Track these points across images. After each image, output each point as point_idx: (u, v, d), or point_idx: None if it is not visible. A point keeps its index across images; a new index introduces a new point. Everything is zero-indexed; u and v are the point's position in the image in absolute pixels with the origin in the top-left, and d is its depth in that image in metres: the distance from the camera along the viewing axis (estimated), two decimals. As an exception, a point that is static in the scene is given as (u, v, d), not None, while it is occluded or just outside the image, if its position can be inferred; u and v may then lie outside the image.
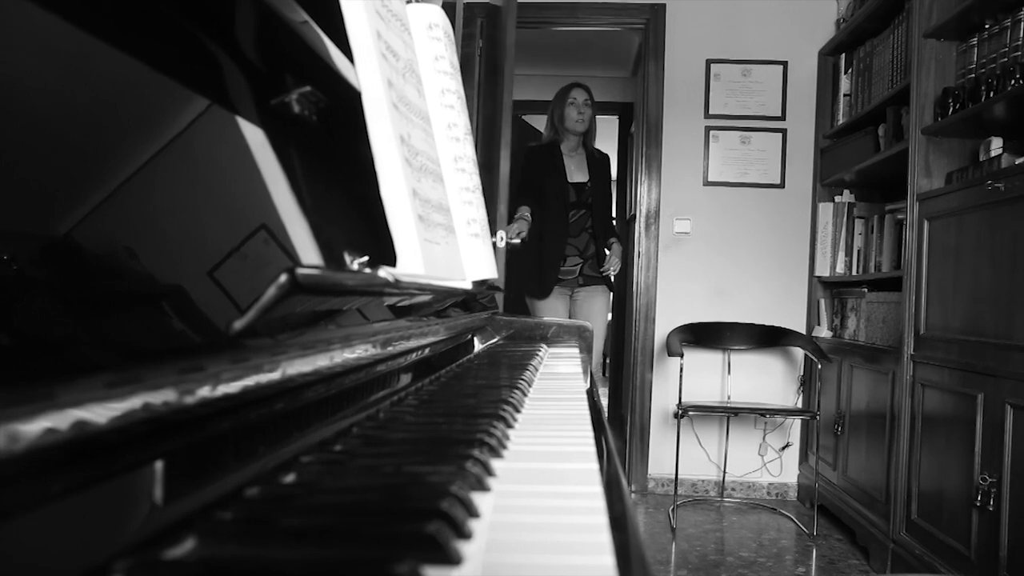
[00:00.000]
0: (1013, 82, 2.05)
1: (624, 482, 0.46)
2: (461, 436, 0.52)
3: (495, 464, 0.47)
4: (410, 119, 0.75)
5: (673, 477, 3.28)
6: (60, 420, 0.24)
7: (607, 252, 3.25)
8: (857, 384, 2.90)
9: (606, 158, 3.42)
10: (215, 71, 0.44)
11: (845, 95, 3.26)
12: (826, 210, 3.34)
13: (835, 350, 3.11)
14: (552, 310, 3.29)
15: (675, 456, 3.24)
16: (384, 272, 0.55)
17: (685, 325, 3.39)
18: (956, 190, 2.23)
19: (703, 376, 3.48)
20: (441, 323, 0.86)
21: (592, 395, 0.88)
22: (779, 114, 3.48)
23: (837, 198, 3.31)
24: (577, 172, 3.33)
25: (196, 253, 0.37)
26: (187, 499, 0.31)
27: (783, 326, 3.38)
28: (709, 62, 3.50)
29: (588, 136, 3.34)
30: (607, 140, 6.73)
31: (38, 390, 0.23)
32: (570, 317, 3.28)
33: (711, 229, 3.51)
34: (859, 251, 3.16)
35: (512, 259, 3.53)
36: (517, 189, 3.33)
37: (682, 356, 3.20)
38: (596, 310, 3.32)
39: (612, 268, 3.24)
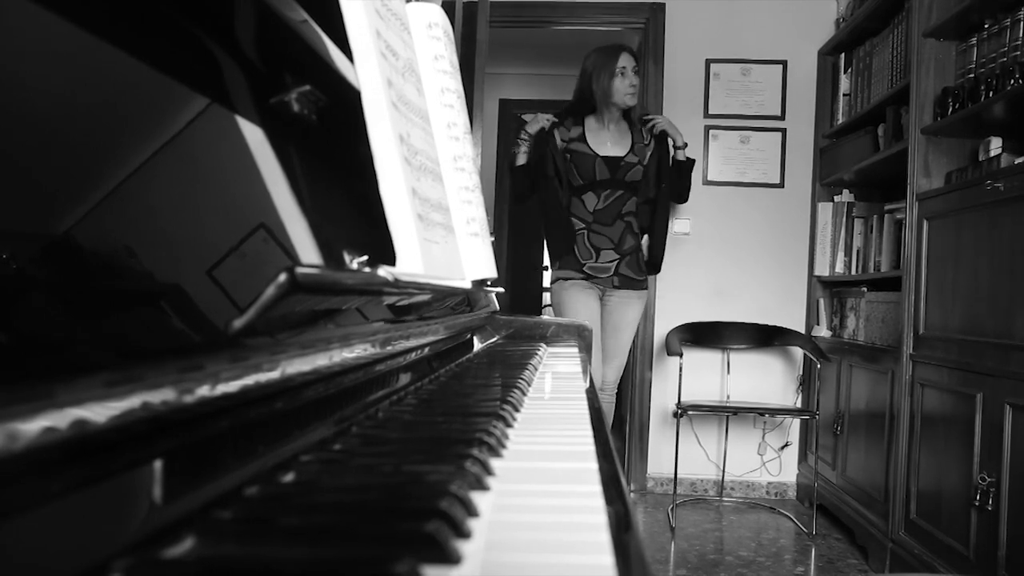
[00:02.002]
0: (1013, 82, 2.05)
1: (623, 481, 0.46)
2: (460, 435, 0.52)
3: (494, 463, 0.47)
4: (409, 118, 0.75)
5: (672, 476, 3.28)
6: (59, 419, 0.24)
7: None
8: (856, 384, 2.90)
9: (651, 133, 2.90)
10: (214, 70, 0.44)
11: (844, 95, 3.26)
12: (825, 210, 3.34)
13: (834, 350, 3.11)
14: (581, 306, 2.77)
15: (674, 455, 3.24)
16: (383, 271, 0.55)
17: (684, 325, 3.39)
18: (955, 190, 2.23)
19: (702, 376, 3.48)
20: (440, 322, 0.86)
21: (591, 394, 0.88)
22: (778, 114, 3.48)
23: (836, 198, 3.32)
24: (613, 143, 2.78)
25: (195, 252, 0.37)
26: (186, 498, 0.31)
27: (782, 325, 3.38)
28: (709, 61, 3.50)
29: (631, 110, 2.84)
30: (606, 139, 6.75)
31: (37, 389, 0.23)
32: (602, 320, 2.86)
33: (710, 229, 3.51)
34: (858, 251, 3.16)
35: (517, 258, 3.44)
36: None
37: (681, 355, 3.20)
38: (628, 321, 2.87)
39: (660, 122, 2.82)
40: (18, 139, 0.27)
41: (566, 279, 2.82)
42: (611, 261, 2.80)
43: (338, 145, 0.61)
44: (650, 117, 2.91)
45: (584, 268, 2.79)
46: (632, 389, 3.58)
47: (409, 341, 0.72)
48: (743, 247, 3.49)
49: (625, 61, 2.75)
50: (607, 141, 2.80)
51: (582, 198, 2.80)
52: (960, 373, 2.12)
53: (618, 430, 4.14)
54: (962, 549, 2.05)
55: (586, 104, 2.82)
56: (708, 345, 3.43)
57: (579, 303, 2.79)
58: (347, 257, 0.53)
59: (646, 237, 2.93)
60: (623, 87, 2.75)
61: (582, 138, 2.80)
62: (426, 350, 0.82)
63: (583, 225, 2.80)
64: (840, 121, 3.27)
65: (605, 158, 2.76)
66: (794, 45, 3.47)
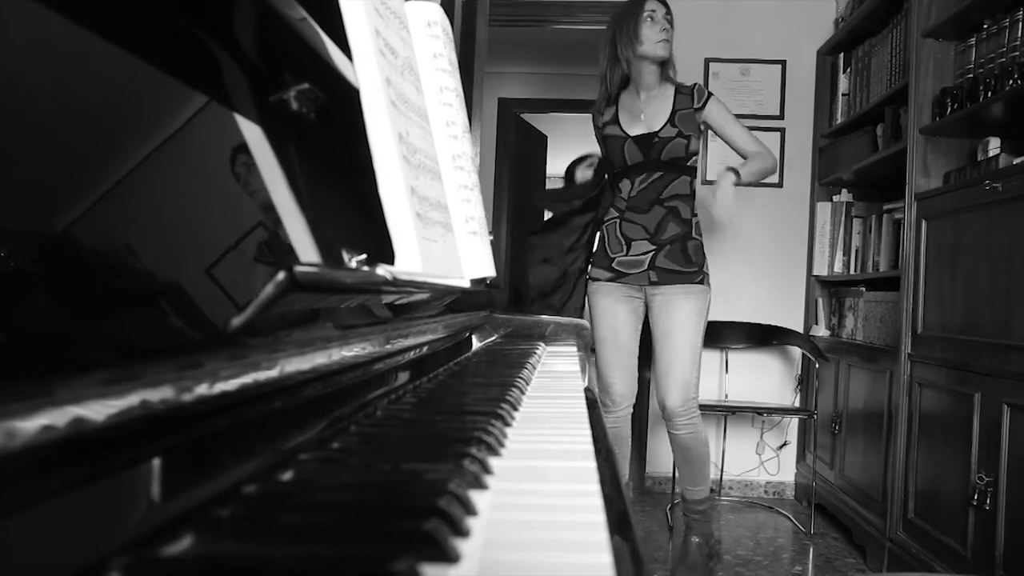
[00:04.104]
0: (1011, 82, 2.05)
1: (622, 480, 0.46)
2: (459, 434, 0.52)
3: (493, 462, 0.47)
4: (408, 117, 0.75)
5: (670, 475, 3.28)
6: (58, 417, 0.24)
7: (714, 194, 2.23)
8: (854, 383, 2.90)
9: (703, 92, 2.37)
10: (213, 68, 0.44)
11: (843, 94, 3.26)
12: (824, 209, 3.34)
13: (833, 349, 3.12)
14: (603, 314, 2.37)
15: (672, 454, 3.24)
16: (382, 270, 0.55)
17: (683, 324, 3.39)
18: (954, 190, 2.23)
19: (701, 374, 3.48)
20: (439, 321, 0.86)
21: (589, 393, 0.88)
22: (777, 113, 3.48)
23: (835, 197, 3.32)
24: (648, 117, 2.34)
25: (194, 250, 0.37)
26: (185, 496, 0.31)
27: (781, 325, 3.39)
28: (708, 61, 3.50)
29: (666, 68, 2.36)
30: (605, 139, 6.73)
31: (36, 387, 0.23)
32: (652, 328, 2.42)
33: (709, 228, 3.51)
34: (857, 250, 3.16)
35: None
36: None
37: (680, 355, 3.20)
38: (677, 323, 2.32)
39: (720, 200, 2.23)
40: (16, 137, 0.27)
41: (595, 279, 2.44)
42: (644, 253, 2.33)
43: (337, 143, 0.61)
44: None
45: (613, 264, 2.37)
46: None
47: (407, 340, 0.72)
48: (742, 246, 3.49)
49: (654, 5, 2.30)
50: (640, 115, 2.35)
51: (619, 185, 2.40)
52: (958, 373, 2.12)
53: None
54: (960, 548, 2.05)
55: (615, 82, 2.38)
56: (706, 344, 3.42)
57: (601, 310, 2.40)
58: (346, 256, 0.53)
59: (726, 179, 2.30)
60: (653, 34, 2.28)
61: (615, 119, 2.37)
62: (424, 349, 0.82)
63: (616, 214, 2.40)
64: (839, 121, 3.27)
65: (635, 138, 2.32)
66: (793, 45, 3.47)
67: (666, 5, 2.34)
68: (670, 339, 2.36)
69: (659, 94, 2.37)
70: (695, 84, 2.39)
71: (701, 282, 2.36)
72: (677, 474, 2.53)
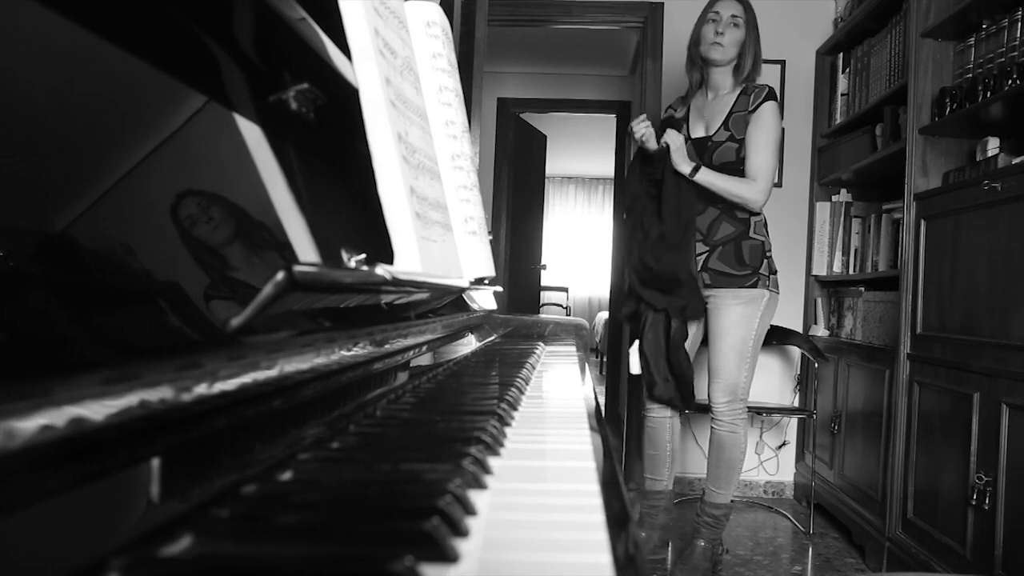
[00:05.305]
0: (1010, 82, 2.05)
1: (621, 480, 0.46)
2: (458, 434, 0.52)
3: (492, 462, 0.47)
4: (408, 116, 0.75)
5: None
6: (57, 417, 0.24)
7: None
8: (854, 383, 2.90)
9: (762, 92, 2.27)
10: (213, 68, 0.44)
11: (843, 94, 3.26)
12: (823, 209, 3.35)
13: (832, 349, 3.12)
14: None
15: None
16: (381, 269, 0.55)
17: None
18: (952, 190, 2.23)
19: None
20: (438, 321, 0.86)
21: (589, 393, 0.88)
22: (777, 113, 3.48)
23: (834, 197, 3.32)
24: (710, 120, 2.32)
25: (193, 250, 0.37)
26: (184, 496, 0.31)
27: (780, 325, 3.38)
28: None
29: (739, 70, 2.29)
30: (604, 139, 6.72)
31: (35, 387, 0.23)
32: (704, 337, 2.45)
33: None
34: (856, 250, 3.16)
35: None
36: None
37: (679, 355, 3.20)
38: (724, 328, 2.30)
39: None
40: (16, 136, 0.27)
41: None
42: (699, 255, 2.31)
43: (336, 143, 0.61)
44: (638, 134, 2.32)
45: None
46: (630, 388, 3.59)
47: (407, 339, 0.72)
48: (741, 246, 3.49)
49: (721, 7, 2.28)
50: (703, 118, 2.34)
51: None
52: (957, 372, 2.12)
53: (616, 429, 4.14)
54: (959, 548, 2.05)
55: (692, 81, 2.40)
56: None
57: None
58: (345, 255, 0.53)
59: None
60: (710, 35, 2.27)
61: (686, 118, 2.38)
62: (424, 348, 0.82)
63: None
64: (838, 121, 3.27)
65: (694, 140, 2.31)
66: (792, 45, 3.47)
67: (742, 4, 2.29)
68: (717, 343, 2.34)
69: (727, 96, 2.32)
70: (764, 85, 2.29)
71: (754, 285, 2.28)
72: (706, 472, 2.51)
